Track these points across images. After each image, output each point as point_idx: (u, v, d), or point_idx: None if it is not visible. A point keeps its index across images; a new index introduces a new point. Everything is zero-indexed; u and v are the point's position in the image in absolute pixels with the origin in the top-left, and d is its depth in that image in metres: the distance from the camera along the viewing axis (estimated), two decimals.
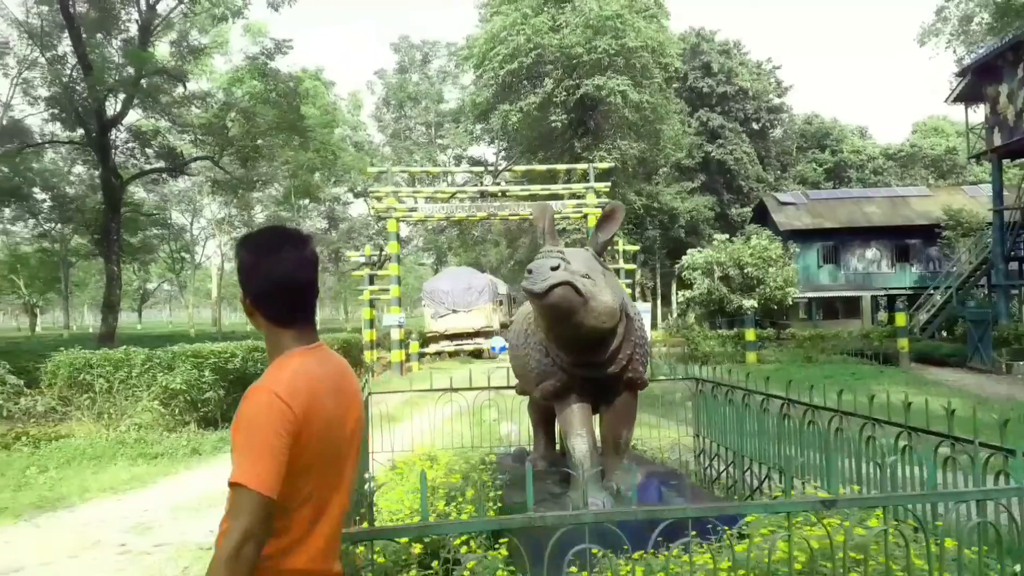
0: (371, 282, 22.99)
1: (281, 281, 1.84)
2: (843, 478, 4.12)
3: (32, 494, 7.66)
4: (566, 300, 3.32)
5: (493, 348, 25.18)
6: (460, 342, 26.35)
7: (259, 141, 22.58)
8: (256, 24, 29.68)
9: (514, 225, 35.94)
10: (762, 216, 36.64)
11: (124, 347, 11.00)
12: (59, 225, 36.58)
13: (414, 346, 22.87)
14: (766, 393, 5.11)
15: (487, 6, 30.81)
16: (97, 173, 28.44)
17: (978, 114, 25.65)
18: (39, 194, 30.70)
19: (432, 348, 24.51)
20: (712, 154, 47.71)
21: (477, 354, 26.68)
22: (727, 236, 21.86)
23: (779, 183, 52.70)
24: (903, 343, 19.24)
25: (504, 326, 32.64)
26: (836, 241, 33.27)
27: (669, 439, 7.57)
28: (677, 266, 42.30)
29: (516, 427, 8.36)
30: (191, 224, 49.75)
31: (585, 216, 22.01)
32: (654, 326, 29.61)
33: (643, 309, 22.34)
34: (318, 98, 31.11)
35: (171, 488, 8.15)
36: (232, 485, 1.64)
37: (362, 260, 24.13)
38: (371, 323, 23.15)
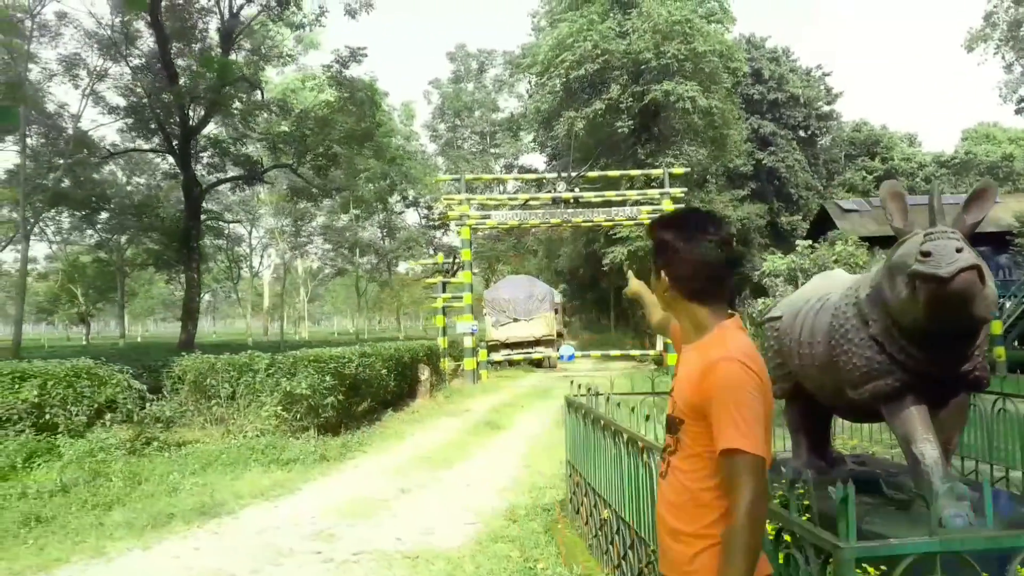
0: (443, 289, 22.84)
1: (705, 261, 1.97)
2: None
3: (190, 499, 7.53)
4: (974, 286, 3.02)
5: (562, 356, 24.88)
6: (522, 350, 26.12)
7: (335, 149, 22.60)
8: (310, 37, 29.93)
9: (578, 233, 35.65)
10: (820, 223, 35.95)
11: (249, 352, 10.89)
12: (117, 236, 37.07)
13: (482, 354, 22.69)
14: None
15: (549, 14, 30.69)
16: (164, 183, 28.77)
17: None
18: (97, 203, 31.15)
19: (494, 357, 24.32)
20: (764, 161, 47.14)
21: (538, 363, 26.43)
22: (809, 242, 21.33)
23: (827, 191, 51.96)
24: (1000, 351, 18.62)
25: (560, 335, 32.42)
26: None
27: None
28: (757, 272, 41.68)
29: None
30: (249, 233, 50.17)
31: None
32: None
33: None
34: (375, 108, 31.17)
35: (318, 494, 7.98)
36: (728, 453, 1.78)
37: (433, 267, 23.96)
38: (443, 330, 23.01)
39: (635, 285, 3.02)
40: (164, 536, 6.39)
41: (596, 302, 61.35)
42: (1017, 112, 55.42)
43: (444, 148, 48.83)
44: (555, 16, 29.08)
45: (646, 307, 2.87)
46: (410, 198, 46.83)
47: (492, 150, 48.14)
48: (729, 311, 2.02)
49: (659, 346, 25.73)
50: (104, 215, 29.44)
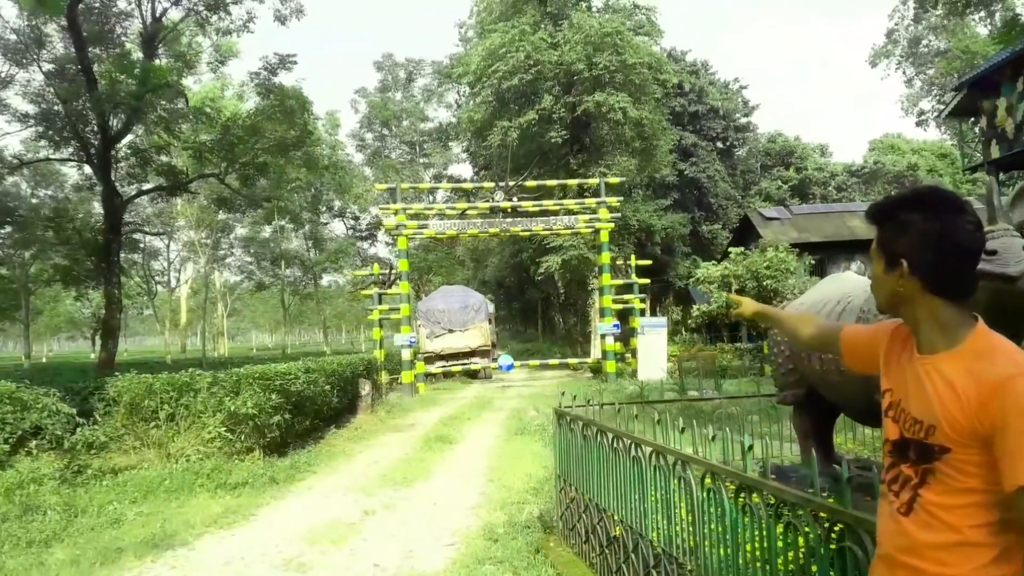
0: (379, 301, 22.33)
1: (962, 247, 1.69)
2: None
3: (137, 531, 6.95)
4: None
5: (501, 367, 24.69)
6: (458, 362, 25.79)
7: (264, 158, 21.81)
8: (229, 44, 28.93)
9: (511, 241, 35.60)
10: (743, 231, 37.06)
11: (190, 370, 10.25)
12: (20, 251, 34.90)
13: (420, 367, 22.29)
14: None
15: (478, 24, 30.60)
16: (75, 194, 27.17)
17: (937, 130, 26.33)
18: None
19: (430, 369, 23.95)
20: (686, 172, 48.30)
21: (474, 374, 26.18)
22: (741, 249, 21.85)
23: (745, 200, 53.66)
24: None
25: (494, 345, 32.25)
26: (822, 255, 33.75)
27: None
28: (690, 280, 42.46)
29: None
30: (167, 247, 48.00)
31: (598, 231, 21.79)
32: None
33: (659, 324, 22.25)
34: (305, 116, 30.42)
35: (276, 519, 7.53)
36: None
37: (369, 278, 23.43)
38: (380, 343, 22.48)
39: (753, 305, 2.66)
40: (116, 573, 5.86)
41: (523, 312, 61.59)
42: (918, 124, 58.47)
43: (371, 158, 48.10)
44: (485, 26, 29.03)
45: (782, 325, 2.49)
46: (336, 208, 45.83)
47: (421, 160, 47.70)
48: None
49: (595, 354, 25.86)
50: (6, 229, 27.65)
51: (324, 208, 44.80)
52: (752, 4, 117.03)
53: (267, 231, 44.11)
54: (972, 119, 25.60)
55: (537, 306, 54.52)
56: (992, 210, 3.29)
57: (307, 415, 12.51)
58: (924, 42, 58.70)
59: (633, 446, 4.03)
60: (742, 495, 2.91)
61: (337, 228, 51.83)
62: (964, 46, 51.50)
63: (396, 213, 21.07)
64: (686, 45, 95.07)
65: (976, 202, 29.57)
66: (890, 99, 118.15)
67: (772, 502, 2.75)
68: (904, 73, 61.04)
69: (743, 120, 56.33)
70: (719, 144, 54.23)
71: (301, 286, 48.48)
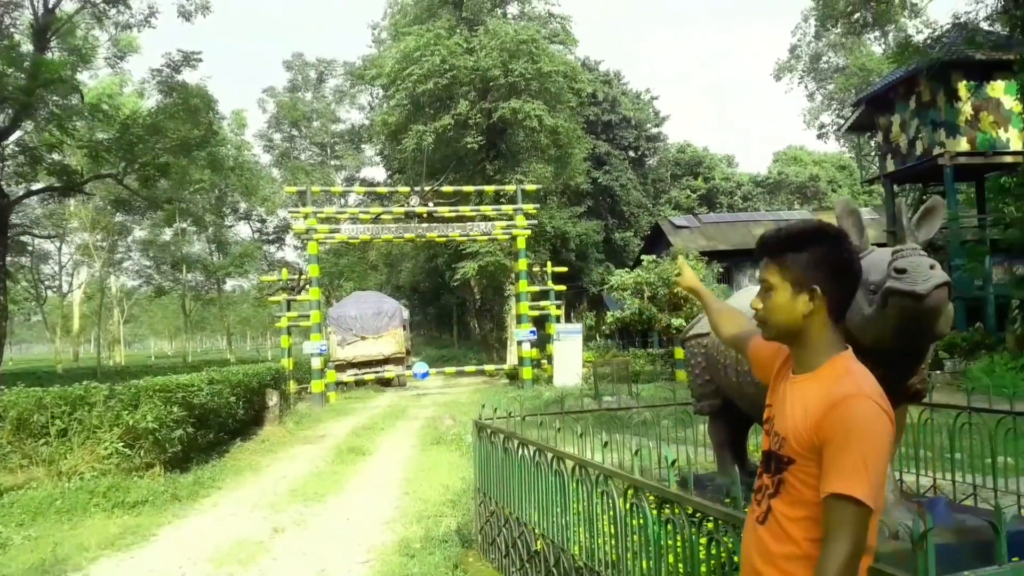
0: (288, 308, 21.68)
1: (854, 272, 1.85)
2: None
3: (26, 556, 6.46)
4: (945, 302, 3.04)
5: (416, 374, 24.35)
6: (371, 369, 25.35)
7: (165, 158, 20.83)
8: (128, 39, 27.64)
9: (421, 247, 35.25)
10: (654, 239, 37.94)
11: (85, 383, 9.63)
12: None
13: (331, 375, 21.78)
14: None
15: (392, 26, 30.26)
16: None
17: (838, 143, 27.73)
18: None
19: (341, 377, 23.46)
20: (599, 180, 49.13)
21: (387, 382, 25.80)
22: (653, 257, 22.31)
23: (656, 208, 55.01)
24: None
25: (408, 352, 31.89)
26: (729, 262, 34.89)
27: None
28: (594, 286, 42.95)
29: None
30: (59, 250, 45.17)
31: (514, 237, 21.84)
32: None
33: (574, 330, 22.44)
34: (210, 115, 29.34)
35: (180, 540, 7.15)
36: (840, 498, 1.59)
37: (277, 283, 22.72)
38: (288, 351, 21.82)
39: (691, 279, 2.79)
40: None
41: (438, 318, 61.21)
42: (819, 137, 61.16)
43: (280, 159, 46.85)
44: (399, 29, 28.71)
45: (709, 312, 2.63)
46: (242, 211, 44.38)
47: (333, 162, 46.77)
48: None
49: (512, 360, 25.90)
50: None
51: (229, 210, 43.28)
52: (664, 18, 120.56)
53: (168, 234, 42.21)
54: (869, 134, 26.98)
55: (453, 312, 54.28)
56: (900, 229, 3.40)
57: (211, 428, 11.99)
58: (824, 58, 61.66)
59: (555, 460, 3.98)
60: (664, 508, 2.90)
61: (243, 231, 50.24)
62: (861, 64, 54.40)
63: (306, 216, 20.54)
64: (600, 55, 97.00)
65: (872, 213, 31.11)
66: (793, 112, 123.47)
67: (690, 511, 2.75)
68: (806, 87, 63.88)
69: (654, 130, 57.74)
70: (631, 153, 55.43)
71: (203, 291, 46.66)
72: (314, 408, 19.51)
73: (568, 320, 35.37)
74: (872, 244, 3.70)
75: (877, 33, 40.30)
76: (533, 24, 28.78)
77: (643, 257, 22.80)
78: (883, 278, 3.12)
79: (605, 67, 53.83)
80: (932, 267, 3.01)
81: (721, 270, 24.64)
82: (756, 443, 7.53)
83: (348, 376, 24.35)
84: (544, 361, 23.05)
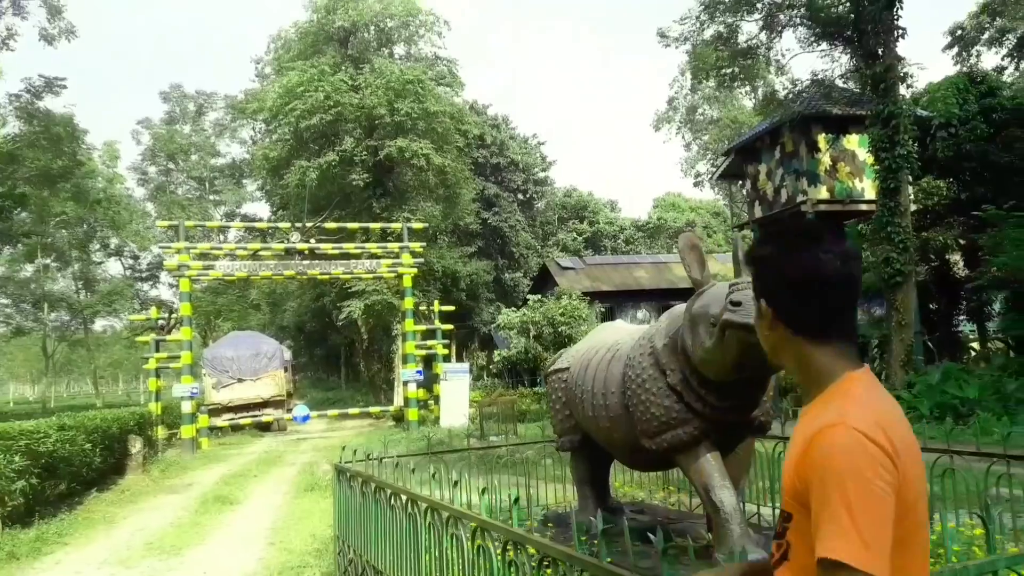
0: (157, 348, 20.47)
1: (821, 280, 1.42)
2: None
3: None
4: None
5: (296, 418, 23.45)
6: (248, 413, 24.26)
7: (23, 189, 19.38)
8: None
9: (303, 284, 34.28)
10: (542, 279, 38.54)
11: None
12: None
13: (203, 419, 20.66)
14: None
15: (275, 61, 29.70)
16: None
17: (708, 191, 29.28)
18: None
19: (216, 422, 22.32)
20: (489, 220, 49.64)
21: (266, 426, 24.76)
22: (538, 296, 22.55)
23: (544, 250, 56.04)
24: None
25: (290, 395, 30.80)
26: (612, 303, 35.78)
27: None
28: (485, 326, 42.85)
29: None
30: None
31: (400, 276, 21.56)
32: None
33: (461, 370, 22.27)
34: (74, 145, 27.75)
35: None
36: (824, 564, 1.24)
37: (145, 323, 21.46)
38: (156, 395, 20.55)
39: None
40: None
41: (325, 359, 59.55)
42: (695, 184, 64.15)
43: (155, 193, 44.74)
44: (283, 64, 28.22)
45: None
46: (113, 246, 41.92)
47: (212, 197, 45.08)
48: (858, 358, 1.48)
49: (399, 401, 25.39)
50: None
51: (99, 245, 40.80)
52: (553, 69, 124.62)
53: (28, 270, 39.22)
54: (740, 182, 28.46)
55: (341, 352, 52.90)
56: (737, 264, 3.51)
57: (62, 478, 11.05)
58: (700, 111, 65.07)
59: (409, 503, 3.81)
60: (509, 550, 2.79)
61: (114, 268, 47.43)
62: (733, 116, 57.80)
63: (179, 252, 19.57)
64: (488, 100, 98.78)
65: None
66: (672, 160, 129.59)
67: (533, 553, 2.66)
68: (683, 138, 67.13)
69: (542, 174, 59.08)
70: (520, 196, 56.39)
71: (69, 332, 43.53)
72: (184, 455, 18.43)
73: (460, 359, 35.21)
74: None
75: (748, 88, 43.03)
76: (420, 65, 28.94)
77: (529, 297, 23.04)
78: (721, 310, 3.19)
79: (493, 111, 54.83)
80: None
81: (603, 310, 25.20)
82: (627, 479, 7.60)
83: (223, 421, 23.19)
84: (431, 402, 22.72)
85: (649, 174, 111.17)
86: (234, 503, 11.41)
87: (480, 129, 50.49)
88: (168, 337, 20.55)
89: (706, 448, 3.58)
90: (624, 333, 4.32)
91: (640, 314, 36.91)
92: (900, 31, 19.00)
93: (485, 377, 32.35)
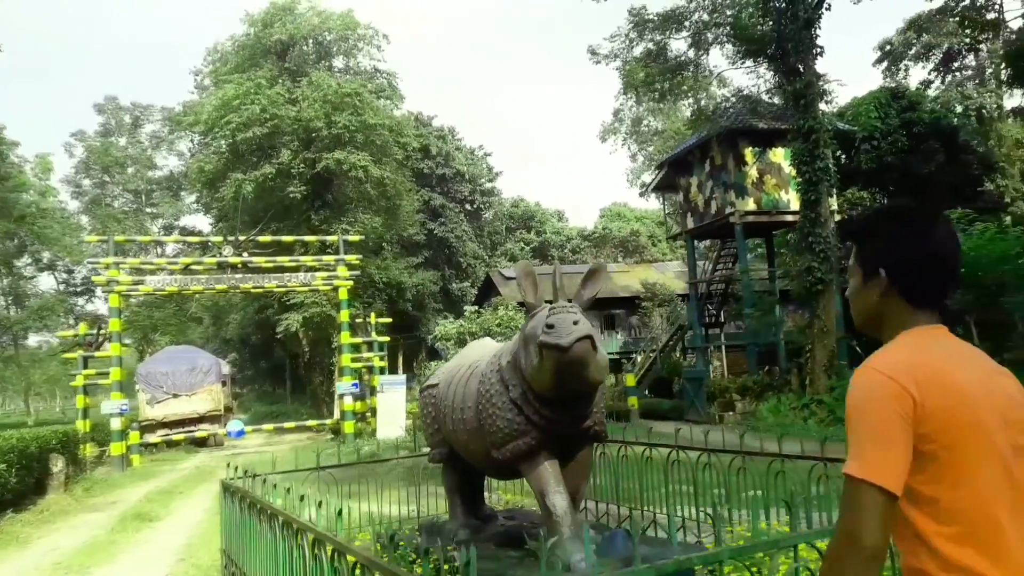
0: (85, 365, 20.08)
1: (936, 254, 1.67)
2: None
3: None
4: (588, 354, 3.38)
5: (230, 433, 23.21)
6: (183, 429, 23.95)
7: None
8: None
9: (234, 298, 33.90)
10: (487, 290, 38.83)
11: None
12: None
13: (134, 436, 20.32)
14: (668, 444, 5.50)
15: (213, 73, 29.47)
16: None
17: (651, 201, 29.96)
18: None
19: (149, 438, 21.98)
20: (435, 231, 49.76)
21: (201, 442, 24.45)
22: (476, 308, 22.77)
23: (492, 260, 56.33)
24: (633, 401, 21.40)
25: (229, 409, 30.40)
26: None
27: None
28: (431, 337, 42.82)
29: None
30: None
31: (336, 288, 21.55)
32: None
33: (398, 382, 22.32)
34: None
35: None
36: (846, 479, 1.50)
37: (73, 339, 21.04)
38: (84, 412, 20.15)
39: None
40: None
41: (270, 371, 58.68)
42: (640, 195, 65.11)
43: (90, 206, 43.80)
44: (220, 76, 28.03)
45: None
46: (45, 261, 40.86)
47: (149, 209, 44.31)
48: (941, 321, 1.69)
49: (336, 414, 25.29)
50: None
51: (31, 260, 39.72)
52: (501, 77, 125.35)
53: None
54: (674, 193, 29.14)
55: (286, 365, 52.29)
56: (555, 289, 3.76)
57: None
58: (645, 122, 66.17)
59: (271, 518, 3.98)
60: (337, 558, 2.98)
61: (47, 282, 46.16)
62: (677, 128, 58.96)
63: (108, 267, 19.27)
64: (434, 111, 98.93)
65: (680, 264, 33.35)
66: (619, 171, 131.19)
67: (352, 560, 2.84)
68: (629, 149, 68.15)
69: (488, 185, 59.46)
70: (467, 206, 56.62)
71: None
72: (113, 473, 18.14)
73: (409, 370, 35.20)
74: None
75: (691, 100, 44.06)
76: (359, 78, 29.01)
77: (466, 308, 23.24)
78: (540, 332, 3.45)
79: (440, 123, 55.03)
80: (576, 322, 3.38)
81: None
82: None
83: (157, 437, 22.85)
84: (369, 414, 22.71)
85: (597, 184, 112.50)
86: (154, 520, 11.33)
87: (426, 140, 50.63)
88: (97, 353, 20.18)
89: (545, 457, 3.85)
90: (487, 350, 4.55)
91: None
92: (818, 49, 19.77)
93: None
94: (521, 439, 3.83)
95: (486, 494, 6.84)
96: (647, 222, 65.30)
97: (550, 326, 3.40)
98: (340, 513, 3.05)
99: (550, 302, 3.75)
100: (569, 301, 3.73)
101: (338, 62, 30.82)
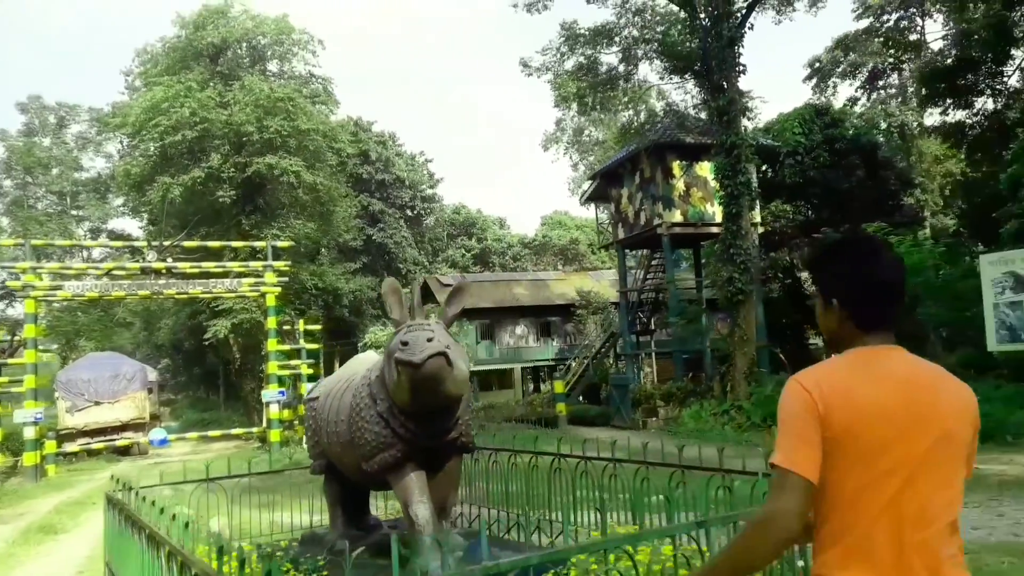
0: None
1: (881, 283, 1.86)
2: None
3: None
4: (442, 370, 3.53)
5: (153, 441, 22.70)
6: (104, 438, 23.36)
7: None
8: None
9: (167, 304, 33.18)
10: (424, 297, 38.73)
11: None
12: None
13: (50, 445, 19.73)
14: (534, 451, 5.69)
15: (144, 74, 28.81)
16: None
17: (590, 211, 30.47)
18: None
19: (68, 447, 21.38)
20: (374, 237, 49.49)
21: (124, 450, 23.88)
22: None
23: (433, 266, 56.26)
24: (561, 407, 21.72)
25: (156, 417, 29.69)
26: (491, 319, 36.40)
27: None
28: (361, 344, 42.51)
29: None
30: None
31: (264, 295, 21.32)
32: None
33: None
34: None
35: None
36: (771, 466, 1.75)
37: None
38: None
39: None
40: None
41: (204, 377, 57.36)
42: (582, 204, 65.92)
43: (11, 208, 42.27)
44: (150, 78, 27.46)
45: None
46: None
47: (74, 212, 42.98)
48: (888, 341, 1.87)
49: (264, 423, 24.97)
50: None
51: None
52: (445, 83, 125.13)
53: None
54: (610, 204, 29.71)
55: (220, 372, 51.23)
56: (413, 307, 3.92)
57: None
58: (586, 132, 66.97)
59: (139, 530, 4.03)
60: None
61: None
62: (616, 138, 59.82)
63: (24, 272, 18.70)
64: (374, 117, 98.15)
65: (613, 273, 33.89)
66: (561, 179, 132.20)
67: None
68: (571, 158, 68.77)
69: (429, 191, 59.44)
70: (408, 212, 56.47)
71: None
72: (26, 483, 17.61)
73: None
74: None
75: (632, 112, 44.91)
76: (292, 83, 28.77)
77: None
78: (395, 349, 3.60)
79: (379, 128, 54.81)
80: (430, 340, 3.54)
81: (484, 325, 25.57)
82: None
83: (77, 446, 22.22)
84: (297, 422, 22.50)
85: (540, 192, 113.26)
86: (60, 532, 11.09)
87: (365, 145, 50.35)
88: (10, 360, 19.56)
89: (411, 468, 3.99)
90: (362, 366, 4.69)
91: (519, 330, 37.68)
92: (741, 67, 20.44)
93: None
94: (387, 451, 3.97)
95: (383, 502, 6.97)
96: (587, 230, 66.12)
97: (404, 343, 3.55)
98: (187, 525, 3.13)
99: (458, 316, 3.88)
100: (428, 318, 3.89)
101: (273, 66, 30.50)
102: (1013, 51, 24.98)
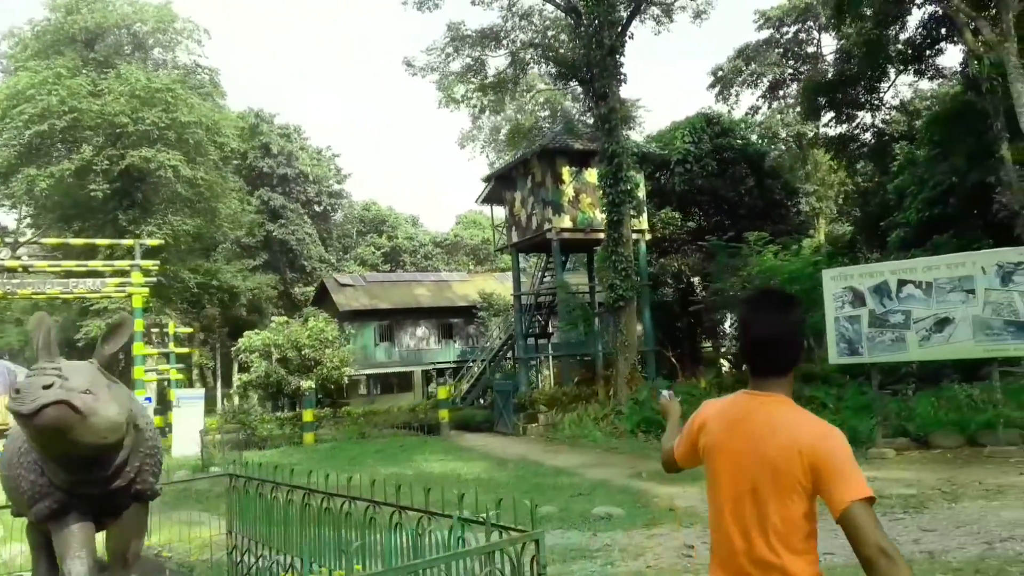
0: None
1: (751, 340, 2.17)
2: (370, 553, 4.44)
3: None
4: (61, 419, 3.15)
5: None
6: None
7: None
8: None
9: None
10: (323, 296, 37.85)
11: None
12: None
13: None
14: (290, 484, 5.32)
15: (12, 58, 27.05)
16: None
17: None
18: None
19: None
20: (274, 233, 48.08)
21: None
22: (285, 318, 22.08)
23: (341, 264, 55.11)
24: (444, 413, 21.43)
25: None
26: (391, 320, 35.84)
27: (202, 538, 7.24)
28: (234, 348, 41.19)
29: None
30: None
31: (130, 296, 20.27)
32: (212, 410, 28.10)
33: (196, 396, 21.26)
34: None
35: None
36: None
37: None
38: None
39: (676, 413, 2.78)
40: None
41: None
42: (476, 203, 65.67)
43: None
44: (18, 63, 25.81)
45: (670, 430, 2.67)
46: None
47: None
48: (759, 387, 2.15)
49: None
50: None
51: None
52: (357, 79, 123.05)
53: None
54: (504, 206, 29.61)
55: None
56: (45, 347, 3.55)
57: None
58: (503, 131, 66.85)
59: None
60: None
61: None
62: (508, 140, 60.01)
63: None
64: (276, 109, 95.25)
65: (522, 276, 33.69)
66: (477, 178, 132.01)
67: None
68: (488, 157, 68.55)
69: (336, 187, 58.20)
70: (315, 208, 55.13)
71: None
72: None
73: (203, 383, 33.66)
74: None
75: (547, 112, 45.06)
76: (176, 73, 27.55)
77: (274, 319, 22.50)
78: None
79: (283, 120, 53.31)
80: (47, 387, 3.17)
81: (383, 326, 25.09)
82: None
83: None
84: (167, 429, 21.50)
85: (455, 190, 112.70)
86: None
87: (267, 138, 48.91)
88: None
89: (74, 519, 3.65)
90: None
91: (420, 331, 37.27)
92: (622, 76, 20.57)
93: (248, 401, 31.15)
94: (44, 501, 3.61)
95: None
96: (502, 229, 66.19)
97: (17, 391, 3.19)
98: None
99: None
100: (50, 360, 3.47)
101: (157, 55, 29.15)
102: (889, 68, 26.03)
